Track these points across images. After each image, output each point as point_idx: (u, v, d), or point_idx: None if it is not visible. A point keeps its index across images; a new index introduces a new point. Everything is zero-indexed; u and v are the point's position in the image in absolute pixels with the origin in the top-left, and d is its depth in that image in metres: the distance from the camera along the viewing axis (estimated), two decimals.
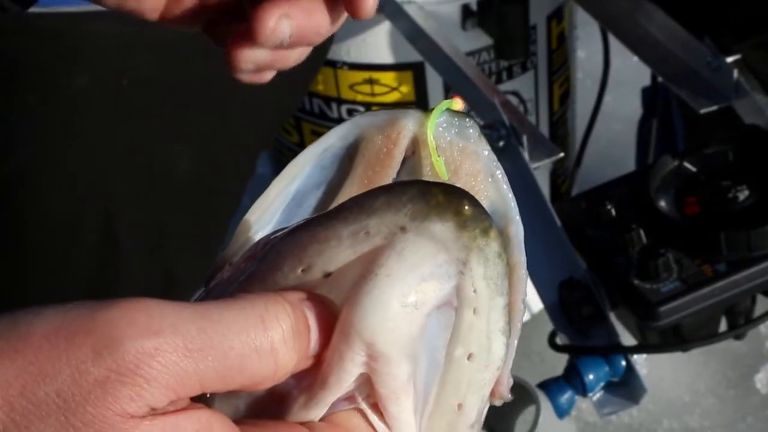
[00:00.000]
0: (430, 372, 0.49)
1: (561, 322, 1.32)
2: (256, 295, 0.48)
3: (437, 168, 0.54)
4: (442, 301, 0.48)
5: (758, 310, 1.36)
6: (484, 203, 0.52)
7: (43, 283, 1.18)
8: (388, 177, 0.55)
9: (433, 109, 0.54)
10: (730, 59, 1.42)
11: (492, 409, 1.49)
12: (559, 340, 1.33)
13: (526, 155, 1.38)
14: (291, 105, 1.50)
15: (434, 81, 1.68)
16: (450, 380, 0.50)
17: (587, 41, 2.14)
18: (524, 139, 1.38)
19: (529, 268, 1.47)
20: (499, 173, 0.55)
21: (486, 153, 0.55)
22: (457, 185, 0.52)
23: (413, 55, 1.62)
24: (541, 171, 1.68)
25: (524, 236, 1.51)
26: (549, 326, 1.35)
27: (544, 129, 1.85)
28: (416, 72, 1.68)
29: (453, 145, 0.54)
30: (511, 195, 0.55)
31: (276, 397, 0.49)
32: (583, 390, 1.30)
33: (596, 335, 1.31)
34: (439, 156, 0.54)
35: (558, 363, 1.37)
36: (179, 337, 0.45)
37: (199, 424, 0.46)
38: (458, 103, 0.56)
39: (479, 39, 1.68)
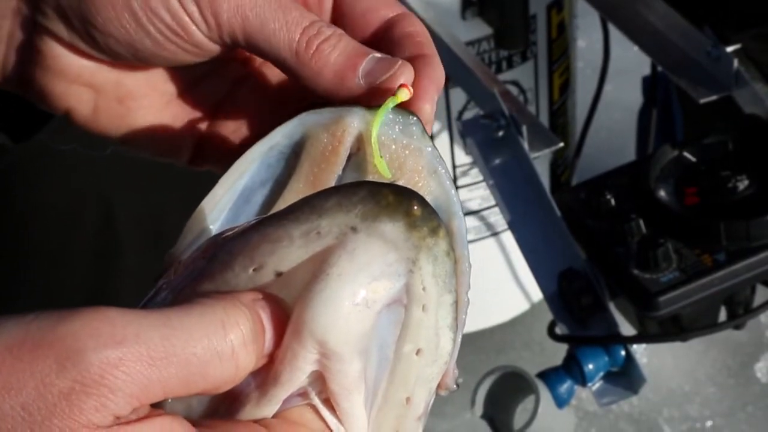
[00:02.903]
0: (379, 367, 0.51)
1: (560, 312, 1.33)
2: (214, 300, 0.48)
3: (380, 169, 0.55)
4: (392, 298, 0.49)
5: (758, 300, 1.37)
6: (428, 198, 0.53)
7: (43, 276, 1.18)
8: (334, 174, 0.56)
9: (377, 106, 0.55)
10: (730, 49, 1.42)
11: (492, 399, 1.49)
12: (559, 330, 1.34)
13: (525, 145, 1.38)
14: None
15: None
16: (399, 375, 0.51)
17: (587, 31, 2.14)
18: (524, 128, 1.39)
19: (528, 258, 1.47)
20: (442, 169, 0.56)
21: (429, 149, 0.56)
22: (401, 181, 0.55)
23: None
24: (540, 161, 1.68)
25: (524, 226, 1.50)
26: (549, 316, 1.35)
27: (544, 119, 1.85)
28: None
29: (397, 142, 0.55)
30: (453, 191, 0.56)
31: (229, 394, 0.49)
32: (582, 380, 1.30)
33: (596, 325, 1.31)
34: (381, 157, 0.55)
35: (558, 353, 1.37)
36: (142, 345, 0.45)
37: (162, 430, 0.46)
38: (404, 93, 0.57)
39: (479, 28, 1.68)
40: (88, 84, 0.61)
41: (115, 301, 1.22)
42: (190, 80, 0.64)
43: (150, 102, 0.63)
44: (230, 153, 0.64)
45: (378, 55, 0.58)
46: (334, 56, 0.58)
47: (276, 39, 0.58)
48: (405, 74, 0.58)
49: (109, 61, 0.61)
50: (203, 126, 0.64)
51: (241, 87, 0.65)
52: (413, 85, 0.58)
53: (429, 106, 0.59)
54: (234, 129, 0.64)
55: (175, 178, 1.18)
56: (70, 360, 0.44)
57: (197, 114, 0.64)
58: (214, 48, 0.59)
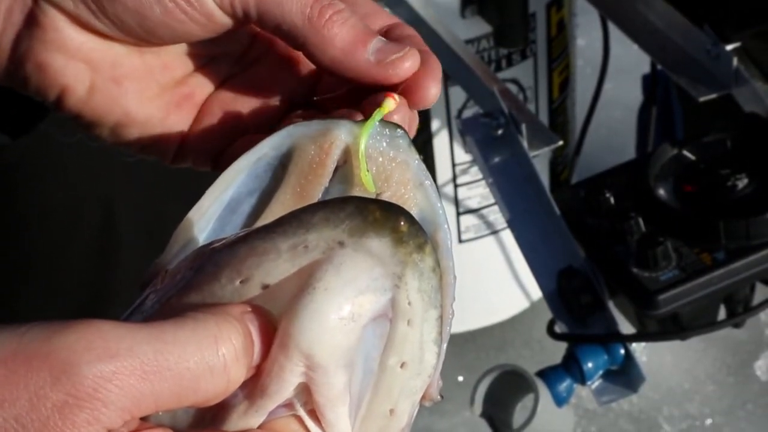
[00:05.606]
0: (364, 379, 0.51)
1: (560, 310, 1.33)
2: (205, 313, 0.49)
3: (366, 183, 0.56)
4: (377, 313, 0.50)
5: (757, 298, 1.37)
6: (414, 211, 0.54)
7: (44, 276, 1.18)
8: (321, 186, 0.57)
9: (364, 120, 0.56)
10: (729, 47, 1.42)
11: (491, 398, 1.49)
12: (558, 328, 1.34)
13: (525, 143, 1.38)
14: None
15: None
16: (383, 387, 0.52)
17: (587, 29, 2.14)
18: (523, 127, 1.39)
19: (527, 256, 1.47)
20: (428, 182, 0.57)
21: (416, 162, 0.57)
22: (387, 193, 0.56)
23: None
24: (540, 159, 1.68)
25: (523, 225, 1.50)
26: (548, 314, 1.35)
27: (544, 117, 1.85)
28: None
29: (384, 155, 0.56)
30: (439, 203, 0.57)
31: (216, 405, 0.50)
32: (581, 378, 1.31)
33: (595, 324, 1.31)
34: (368, 171, 0.56)
35: (557, 351, 1.37)
36: (136, 359, 0.46)
37: None
38: (390, 103, 0.58)
39: (478, 27, 1.68)
40: (87, 60, 0.61)
41: (115, 300, 1.23)
42: (184, 73, 0.64)
43: (145, 87, 0.63)
44: (212, 150, 0.64)
45: (385, 39, 0.60)
46: (346, 28, 0.59)
47: (289, 4, 0.58)
48: (413, 58, 0.59)
49: (110, 35, 0.60)
50: (190, 120, 0.64)
51: (229, 86, 0.65)
52: (418, 71, 0.59)
53: (435, 88, 0.60)
54: (218, 126, 0.64)
55: (175, 178, 1.18)
56: (65, 373, 0.45)
57: (186, 108, 0.64)
58: (224, 21, 0.59)
